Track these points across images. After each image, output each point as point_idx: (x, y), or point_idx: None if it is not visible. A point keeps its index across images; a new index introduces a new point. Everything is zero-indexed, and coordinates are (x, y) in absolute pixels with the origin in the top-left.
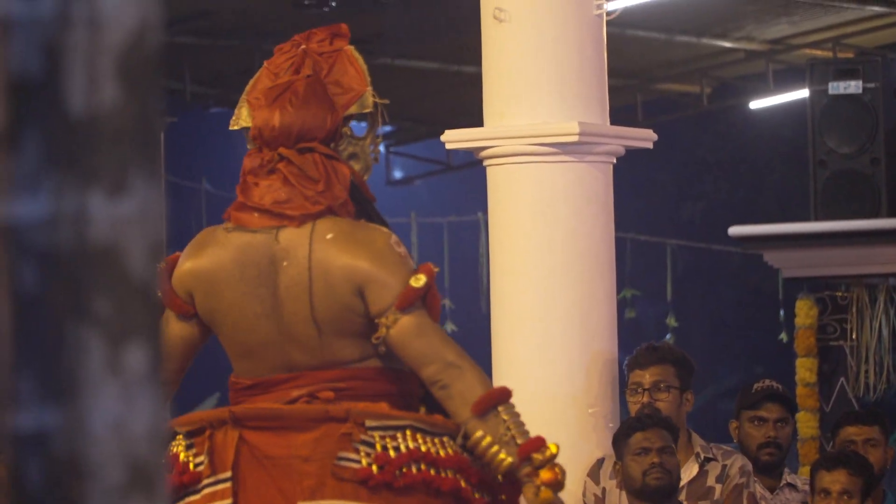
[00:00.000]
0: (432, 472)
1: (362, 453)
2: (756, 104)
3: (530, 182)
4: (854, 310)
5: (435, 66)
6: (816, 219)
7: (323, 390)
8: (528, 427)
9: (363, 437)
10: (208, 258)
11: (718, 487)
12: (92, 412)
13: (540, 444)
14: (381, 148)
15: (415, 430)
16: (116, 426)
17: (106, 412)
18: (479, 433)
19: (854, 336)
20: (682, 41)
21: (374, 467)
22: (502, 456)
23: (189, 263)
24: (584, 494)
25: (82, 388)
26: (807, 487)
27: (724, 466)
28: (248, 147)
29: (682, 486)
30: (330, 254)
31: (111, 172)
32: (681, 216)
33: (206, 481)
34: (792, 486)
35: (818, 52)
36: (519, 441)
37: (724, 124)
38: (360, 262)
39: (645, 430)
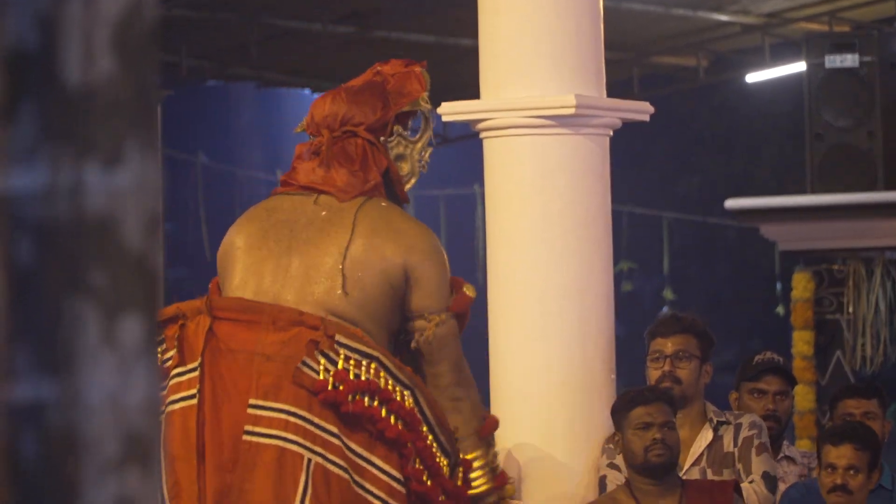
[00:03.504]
0: (383, 411)
1: (322, 365)
2: (752, 77)
3: (527, 154)
4: (851, 283)
5: (431, 40)
6: (813, 192)
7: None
8: (525, 403)
9: (328, 350)
10: (232, 231)
11: (736, 450)
12: (87, 384)
13: (506, 478)
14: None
15: (381, 365)
16: (112, 398)
17: (101, 384)
18: (477, 452)
19: (851, 309)
20: (679, 14)
21: (330, 382)
22: (483, 480)
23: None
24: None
25: (78, 360)
26: (805, 461)
27: (738, 426)
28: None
29: (702, 452)
30: (380, 225)
31: (107, 144)
32: (677, 189)
33: (175, 371)
34: (790, 458)
35: (814, 26)
36: (497, 472)
37: (721, 97)
38: (416, 251)
39: (647, 404)
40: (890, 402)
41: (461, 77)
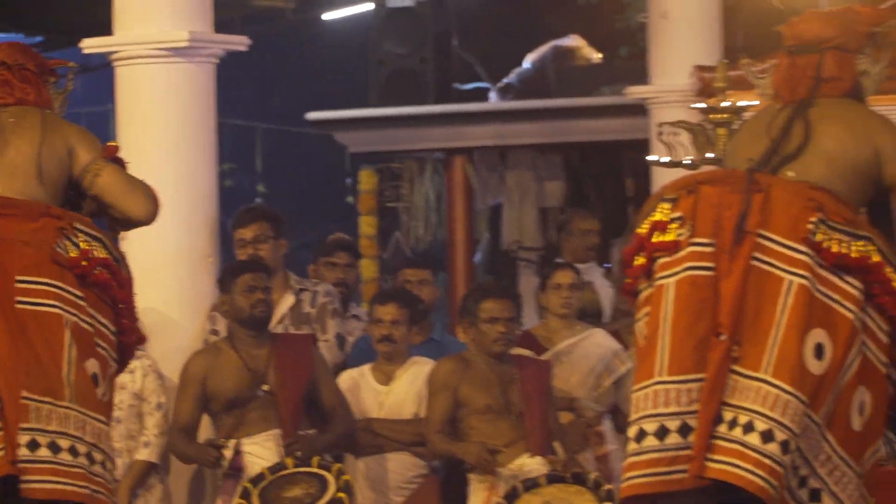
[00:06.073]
0: (112, 279)
1: (70, 246)
2: (329, 16)
3: (150, 79)
4: (406, 178)
5: None
6: (376, 106)
7: None
8: (149, 276)
9: (71, 234)
10: None
11: (314, 311)
12: None
13: None
14: None
15: (102, 244)
16: None
17: None
18: None
19: (406, 199)
20: None
21: (83, 260)
22: None
23: None
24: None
25: None
26: (368, 318)
27: (315, 293)
28: None
29: (285, 314)
30: (53, 125)
31: None
32: (270, 106)
33: None
34: (357, 317)
35: None
36: None
37: (305, 32)
38: (72, 131)
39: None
40: (439, 271)
41: (100, 17)
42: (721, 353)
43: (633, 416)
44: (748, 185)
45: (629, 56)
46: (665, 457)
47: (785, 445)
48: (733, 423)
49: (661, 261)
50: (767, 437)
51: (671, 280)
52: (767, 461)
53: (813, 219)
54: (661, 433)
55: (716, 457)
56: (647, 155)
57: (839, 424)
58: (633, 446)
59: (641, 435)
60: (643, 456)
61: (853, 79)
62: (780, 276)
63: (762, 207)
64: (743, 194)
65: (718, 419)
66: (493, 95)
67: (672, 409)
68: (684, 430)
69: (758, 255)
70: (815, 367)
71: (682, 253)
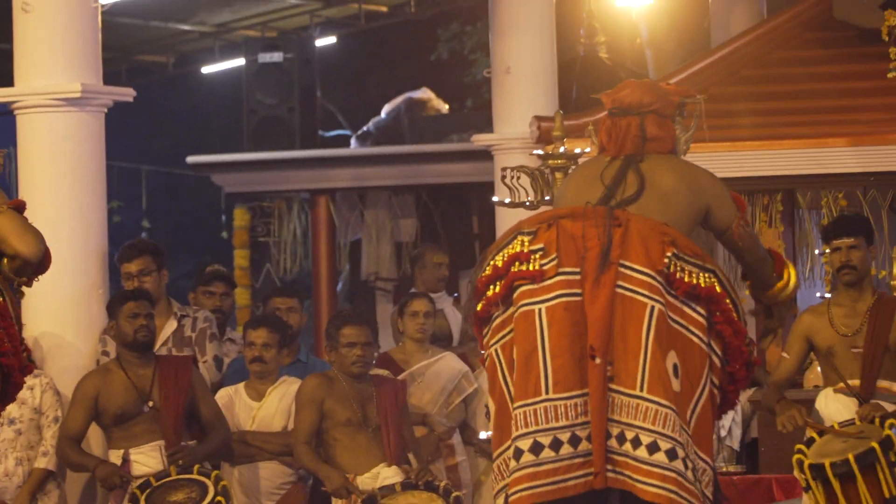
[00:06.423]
0: None
1: None
2: (207, 70)
3: (46, 126)
4: (276, 215)
5: None
6: (249, 151)
7: None
8: (45, 301)
9: None
10: None
11: (194, 335)
12: None
13: None
14: None
15: None
16: None
17: None
18: None
19: (276, 234)
20: (154, 25)
21: None
22: None
23: None
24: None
25: None
26: (241, 341)
27: (196, 318)
28: None
29: (168, 337)
30: None
31: None
32: (153, 149)
33: None
34: (232, 340)
35: (251, 32)
36: None
37: (185, 84)
38: None
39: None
40: (305, 300)
41: (3, 72)
42: (599, 377)
43: (523, 430)
44: (609, 220)
45: (475, 107)
46: (561, 466)
47: (670, 453)
48: (621, 439)
49: (524, 289)
50: (653, 448)
51: (542, 306)
52: (657, 470)
53: (669, 253)
54: (556, 445)
55: (619, 469)
56: (492, 196)
57: (707, 439)
58: (528, 457)
59: (538, 447)
60: (542, 467)
61: (672, 140)
62: (643, 301)
63: (622, 240)
64: (604, 228)
65: (608, 435)
66: (353, 142)
67: (562, 422)
68: (574, 440)
69: (621, 282)
70: (675, 385)
71: (551, 281)
